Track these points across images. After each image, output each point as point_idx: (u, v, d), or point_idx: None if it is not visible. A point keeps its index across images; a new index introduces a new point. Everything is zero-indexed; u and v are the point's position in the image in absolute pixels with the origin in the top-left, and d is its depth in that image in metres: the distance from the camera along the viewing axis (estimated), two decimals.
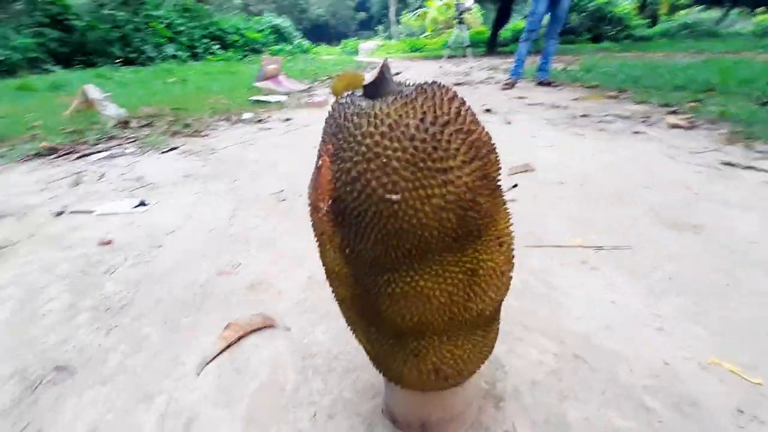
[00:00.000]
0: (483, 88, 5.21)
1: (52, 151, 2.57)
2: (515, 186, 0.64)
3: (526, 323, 0.92)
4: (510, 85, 4.98)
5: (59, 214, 1.63)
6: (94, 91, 3.58)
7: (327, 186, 0.47)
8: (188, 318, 0.97)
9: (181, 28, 11.59)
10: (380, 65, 0.48)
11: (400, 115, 0.43)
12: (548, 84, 5.02)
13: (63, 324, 0.97)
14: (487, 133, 0.50)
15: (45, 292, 1.10)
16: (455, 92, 0.49)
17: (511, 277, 0.55)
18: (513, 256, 0.56)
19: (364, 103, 0.46)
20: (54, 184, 2.02)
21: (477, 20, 20.53)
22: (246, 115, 3.66)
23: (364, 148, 0.43)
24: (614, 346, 0.84)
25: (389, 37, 33.89)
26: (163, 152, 2.54)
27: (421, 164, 0.43)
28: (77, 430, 0.69)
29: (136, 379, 0.80)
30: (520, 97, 4.26)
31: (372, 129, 0.43)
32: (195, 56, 11.15)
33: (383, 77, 0.48)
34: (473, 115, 0.49)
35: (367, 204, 0.44)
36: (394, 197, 0.43)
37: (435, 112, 0.44)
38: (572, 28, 14.37)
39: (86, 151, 2.57)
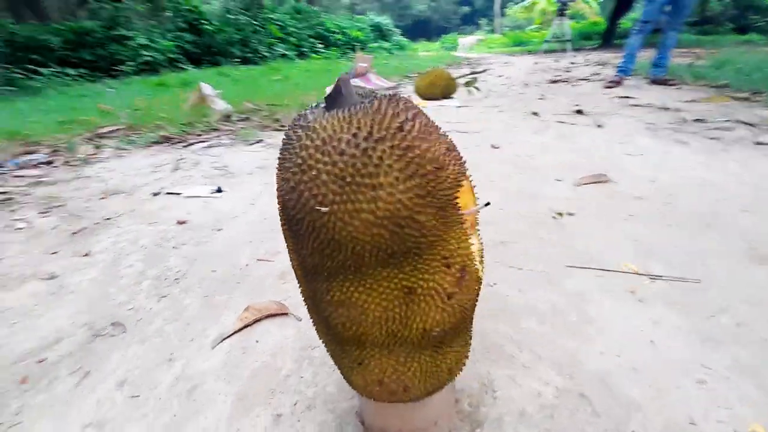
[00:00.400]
0: (583, 87, 4.76)
1: (167, 139, 3.03)
2: (487, 204, 0.59)
3: (540, 351, 0.85)
4: (615, 83, 4.46)
5: (156, 194, 1.93)
6: (206, 88, 4.11)
7: (277, 193, 0.50)
8: (222, 296, 1.10)
9: (292, 29, 12.62)
10: (338, 78, 0.49)
11: (335, 130, 0.44)
12: (663, 82, 4.38)
13: (130, 287, 1.16)
14: (443, 149, 0.48)
15: (127, 259, 1.33)
16: (409, 106, 0.48)
17: (467, 301, 0.52)
18: (474, 278, 0.53)
19: (311, 116, 0.47)
20: (161, 168, 2.39)
21: (592, 10, 18.65)
22: None
23: (299, 160, 0.45)
24: (634, 393, 0.74)
25: (492, 31, 32.58)
26: (250, 144, 2.83)
27: (349, 179, 0.43)
28: (111, 379, 0.84)
29: (167, 343, 0.93)
30: (624, 97, 3.80)
31: (308, 142, 0.45)
32: (301, 55, 12.05)
33: (339, 90, 0.49)
34: (426, 131, 0.47)
35: (303, 213, 0.46)
36: (323, 209, 0.44)
37: (371, 127, 0.44)
38: (711, 17, 12.24)
39: (192, 141, 2.98)
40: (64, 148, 2.82)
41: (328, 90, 0.50)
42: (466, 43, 22.93)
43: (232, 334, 0.94)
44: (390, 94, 0.51)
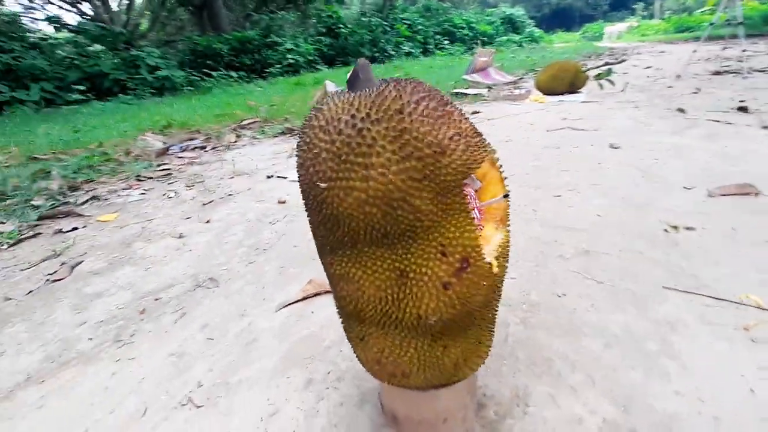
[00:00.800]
0: (757, 79, 3.82)
1: (290, 131, 3.43)
2: (506, 196, 0.53)
3: (596, 375, 0.75)
4: None
5: (269, 177, 2.21)
6: (330, 86, 4.49)
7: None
8: (296, 269, 1.22)
9: (419, 27, 12.89)
10: (357, 63, 0.52)
11: (337, 111, 0.47)
12: None
13: (229, 252, 1.37)
14: (450, 134, 0.47)
15: (233, 228, 1.57)
16: (419, 89, 0.48)
17: (470, 296, 0.50)
18: (482, 274, 0.50)
19: (328, 99, 0.51)
20: (279, 155, 2.72)
21: None
22: None
23: (307, 139, 0.49)
24: None
25: (650, 17, 28.10)
26: None
27: (344, 157, 0.45)
28: (198, 322, 1.01)
29: (243, 301, 1.08)
30: None
31: (315, 122, 0.48)
32: (426, 52, 12.24)
33: (356, 74, 0.51)
34: (431, 114, 0.47)
35: (308, 188, 0.49)
36: (323, 185, 0.47)
37: (370, 108, 0.45)
38: None
39: None
40: (215, 136, 3.41)
41: (349, 74, 0.53)
42: (614, 31, 20.22)
43: (294, 302, 1.04)
44: (406, 79, 0.51)
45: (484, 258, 0.50)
